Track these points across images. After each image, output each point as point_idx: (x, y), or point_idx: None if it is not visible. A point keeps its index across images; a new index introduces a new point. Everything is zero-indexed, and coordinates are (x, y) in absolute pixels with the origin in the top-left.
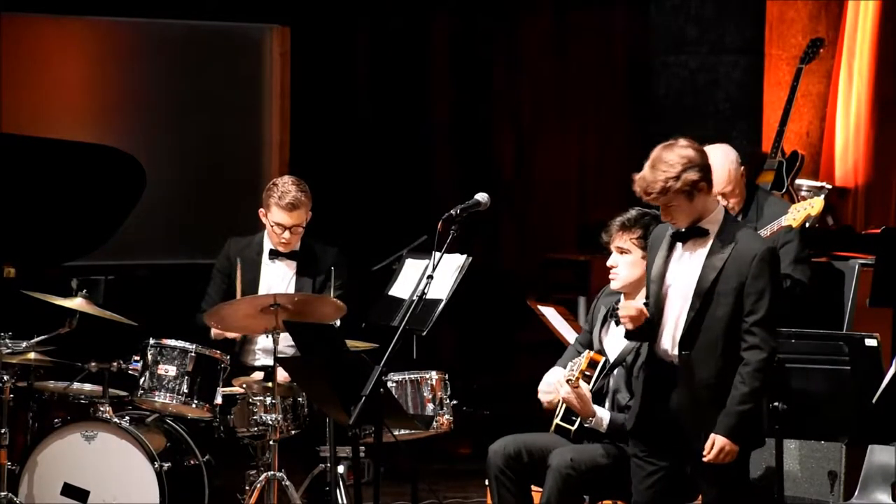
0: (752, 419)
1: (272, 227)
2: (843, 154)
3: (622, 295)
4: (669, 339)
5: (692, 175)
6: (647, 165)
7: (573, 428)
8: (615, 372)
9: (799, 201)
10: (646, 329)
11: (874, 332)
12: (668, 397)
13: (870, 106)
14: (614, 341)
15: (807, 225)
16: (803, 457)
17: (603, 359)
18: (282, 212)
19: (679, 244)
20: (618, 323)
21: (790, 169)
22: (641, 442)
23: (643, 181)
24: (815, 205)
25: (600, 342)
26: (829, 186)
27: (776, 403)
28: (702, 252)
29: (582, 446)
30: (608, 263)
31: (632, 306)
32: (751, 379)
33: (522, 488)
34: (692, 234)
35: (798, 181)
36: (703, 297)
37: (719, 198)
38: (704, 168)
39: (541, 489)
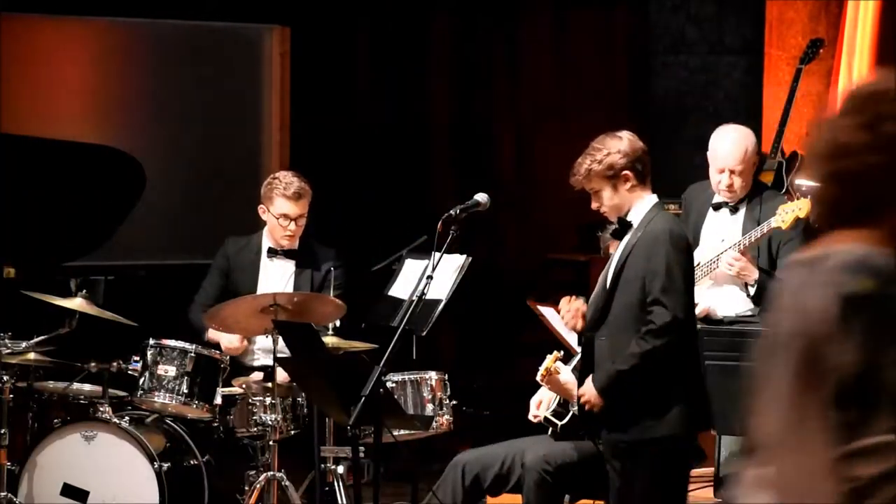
0: (627, 379)
1: (277, 219)
2: None
3: None
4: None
5: (616, 159)
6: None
7: (561, 423)
8: None
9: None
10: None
11: None
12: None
13: None
14: None
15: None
16: None
17: None
18: (288, 202)
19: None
20: None
21: (790, 169)
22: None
23: (575, 165)
24: (804, 207)
25: None
26: None
27: None
28: (625, 242)
29: (556, 444)
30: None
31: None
32: (640, 340)
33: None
34: (623, 227)
35: (798, 181)
36: (615, 282)
37: (725, 175)
38: (635, 158)
39: (512, 493)
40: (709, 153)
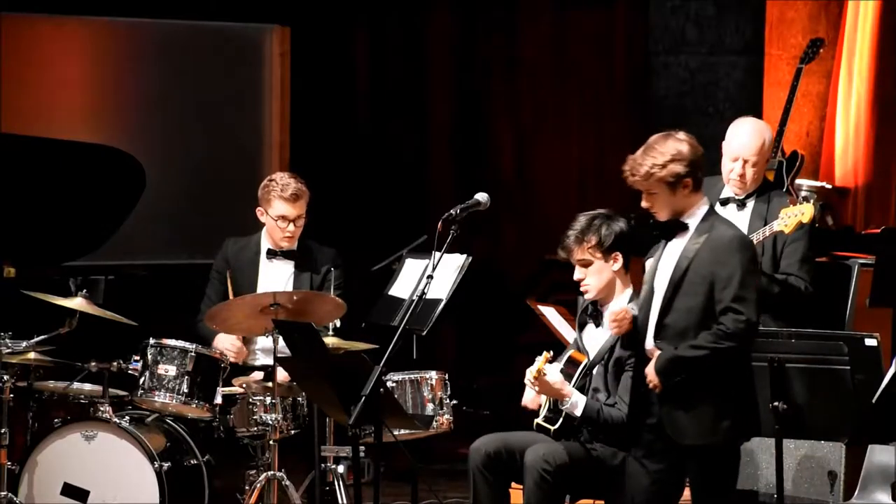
0: (687, 367)
1: (275, 221)
2: (843, 154)
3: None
4: (650, 333)
5: (678, 167)
6: (641, 148)
7: (553, 427)
8: (595, 371)
9: (800, 202)
10: (635, 333)
11: (874, 332)
12: (652, 395)
13: (870, 106)
14: (593, 341)
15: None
16: (803, 457)
17: (585, 359)
18: (285, 203)
19: (664, 243)
20: (596, 324)
21: (790, 169)
22: (638, 444)
23: (632, 162)
24: (807, 212)
25: (581, 342)
26: (829, 186)
27: (776, 403)
28: (681, 244)
29: (557, 443)
30: (575, 278)
31: (614, 311)
32: (712, 336)
33: (500, 487)
34: (675, 228)
35: (798, 181)
36: (675, 285)
37: (738, 164)
38: (694, 165)
39: (521, 486)
40: (724, 143)
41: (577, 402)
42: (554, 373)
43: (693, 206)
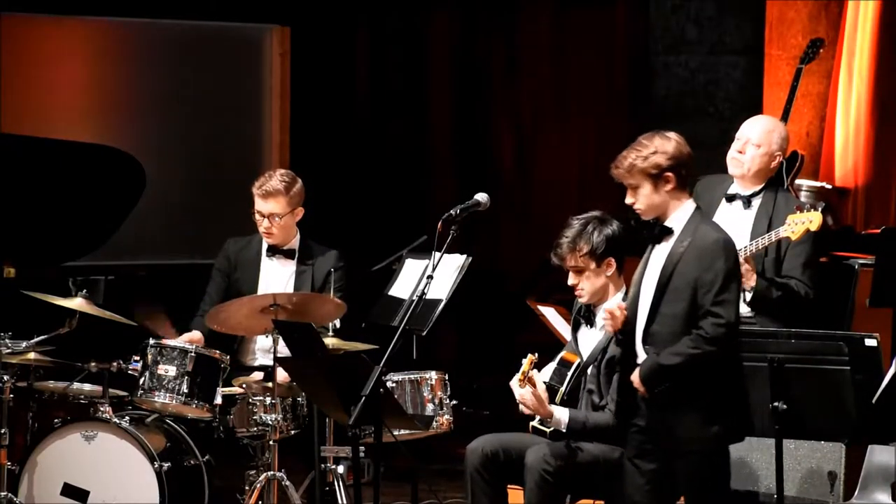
0: (670, 375)
1: (255, 216)
2: (843, 154)
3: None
4: (639, 337)
5: (660, 159)
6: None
7: (549, 429)
8: (589, 372)
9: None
10: (628, 332)
11: (874, 332)
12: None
13: (870, 106)
14: (587, 342)
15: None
16: (803, 457)
17: (577, 359)
18: (259, 199)
19: (651, 247)
20: (590, 325)
21: (790, 169)
22: (630, 445)
23: (618, 156)
24: (815, 220)
25: (575, 342)
26: (829, 186)
27: (776, 403)
28: (667, 248)
29: (557, 443)
30: (569, 283)
31: (608, 308)
32: (692, 341)
33: (498, 488)
34: (661, 233)
35: (798, 181)
36: (661, 291)
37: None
38: (677, 160)
39: (518, 487)
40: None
41: (560, 419)
42: (542, 391)
43: (677, 206)
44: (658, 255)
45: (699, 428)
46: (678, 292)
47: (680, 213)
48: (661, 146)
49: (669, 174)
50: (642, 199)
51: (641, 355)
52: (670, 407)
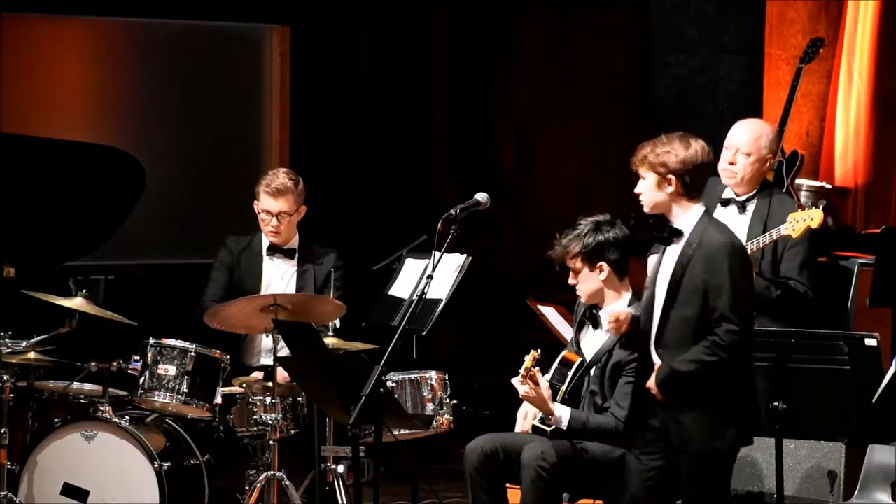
0: (685, 381)
1: (261, 215)
2: (843, 154)
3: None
4: (652, 340)
5: (669, 159)
6: None
7: (550, 429)
8: (592, 373)
9: (807, 207)
10: (634, 335)
11: (874, 332)
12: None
13: (870, 106)
14: (590, 343)
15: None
16: (803, 457)
17: (579, 359)
18: (268, 198)
19: (663, 249)
20: (594, 326)
21: (790, 169)
22: (638, 442)
23: (639, 144)
24: (816, 217)
25: (577, 344)
26: (829, 186)
27: (776, 403)
28: (678, 250)
29: (554, 442)
30: (570, 282)
31: (612, 312)
32: (707, 349)
33: (497, 487)
34: (671, 235)
35: (798, 181)
36: (671, 294)
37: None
38: (688, 169)
39: (517, 487)
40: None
41: (561, 417)
42: (544, 388)
43: (683, 210)
44: (669, 258)
45: (716, 429)
46: (688, 296)
47: (687, 217)
48: (678, 148)
49: (673, 177)
50: (644, 191)
51: (655, 359)
52: (686, 409)
